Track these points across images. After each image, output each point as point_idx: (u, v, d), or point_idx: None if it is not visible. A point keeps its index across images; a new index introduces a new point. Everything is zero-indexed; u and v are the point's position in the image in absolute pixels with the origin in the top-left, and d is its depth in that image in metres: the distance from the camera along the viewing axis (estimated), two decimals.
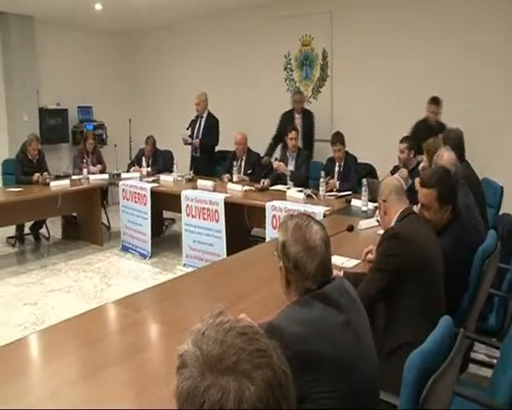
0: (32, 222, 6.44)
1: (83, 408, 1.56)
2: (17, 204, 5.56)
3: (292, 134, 5.46)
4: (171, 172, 6.25)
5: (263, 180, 5.34)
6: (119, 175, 6.45)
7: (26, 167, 6.08)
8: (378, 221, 3.19)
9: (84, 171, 6.34)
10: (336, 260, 2.71)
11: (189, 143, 6.35)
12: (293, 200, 4.72)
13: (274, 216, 4.54)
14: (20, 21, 7.63)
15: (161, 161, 6.73)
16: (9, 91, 7.76)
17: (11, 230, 6.34)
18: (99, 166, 6.65)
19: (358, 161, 5.20)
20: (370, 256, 2.75)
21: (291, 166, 5.49)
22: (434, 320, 1.68)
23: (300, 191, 4.90)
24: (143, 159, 6.63)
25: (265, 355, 0.76)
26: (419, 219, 2.40)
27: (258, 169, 5.77)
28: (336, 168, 5.15)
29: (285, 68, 6.88)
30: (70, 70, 8.27)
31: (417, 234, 2.23)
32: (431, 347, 1.51)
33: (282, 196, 4.91)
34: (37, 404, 1.59)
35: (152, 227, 5.73)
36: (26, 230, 6.51)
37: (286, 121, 6.06)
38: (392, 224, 2.38)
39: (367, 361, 1.49)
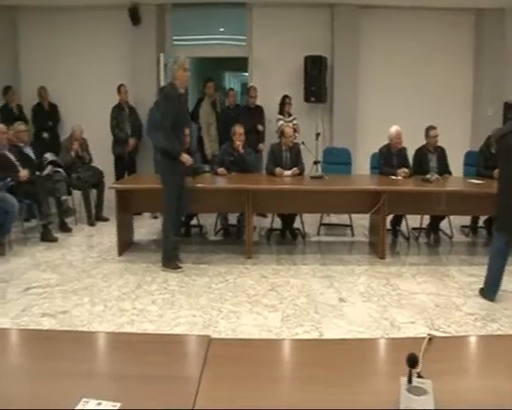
0: (487, 217, 6.41)
1: None
2: (474, 196, 5.59)
3: None
4: None
5: None
6: None
7: (488, 161, 6.12)
8: None
9: None
10: None
11: None
12: None
13: None
14: None
15: None
16: (477, 87, 7.99)
17: (466, 219, 6.63)
18: None
19: None
20: None
21: None
22: None
23: None
24: None
25: None
26: None
27: None
28: None
29: None
30: None
31: None
32: None
33: None
34: None
35: None
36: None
37: None
38: None
39: None
